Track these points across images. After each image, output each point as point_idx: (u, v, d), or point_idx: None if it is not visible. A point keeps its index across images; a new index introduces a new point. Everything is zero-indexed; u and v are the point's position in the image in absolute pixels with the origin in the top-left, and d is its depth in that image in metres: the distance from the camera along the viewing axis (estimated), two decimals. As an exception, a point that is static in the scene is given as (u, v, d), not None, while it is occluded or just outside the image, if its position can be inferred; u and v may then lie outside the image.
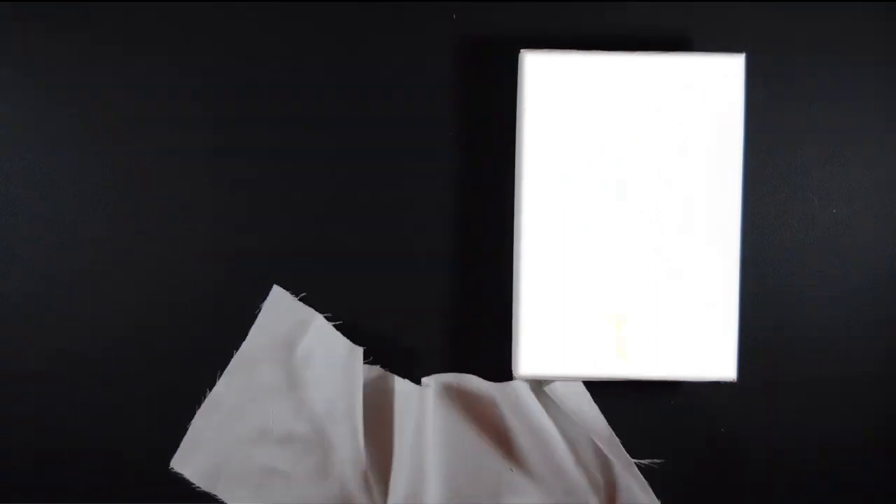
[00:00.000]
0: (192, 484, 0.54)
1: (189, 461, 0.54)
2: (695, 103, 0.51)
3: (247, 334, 0.55)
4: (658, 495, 0.54)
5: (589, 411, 0.53)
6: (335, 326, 0.54)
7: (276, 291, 0.54)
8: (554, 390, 0.52)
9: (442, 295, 0.55)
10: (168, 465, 0.54)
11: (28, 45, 0.55)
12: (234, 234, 0.55)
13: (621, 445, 0.53)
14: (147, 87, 0.55)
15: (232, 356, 0.55)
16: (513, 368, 0.52)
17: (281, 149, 0.55)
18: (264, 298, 0.55)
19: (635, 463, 0.53)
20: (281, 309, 0.54)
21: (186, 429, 0.55)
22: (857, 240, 0.55)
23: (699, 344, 0.51)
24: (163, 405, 0.56)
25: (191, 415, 0.55)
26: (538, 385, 0.53)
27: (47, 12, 0.55)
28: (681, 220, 0.51)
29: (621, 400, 0.55)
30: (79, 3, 0.55)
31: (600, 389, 0.54)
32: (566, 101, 0.51)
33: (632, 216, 0.51)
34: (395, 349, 0.56)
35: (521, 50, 0.51)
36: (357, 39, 0.55)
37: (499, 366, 0.54)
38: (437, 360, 0.55)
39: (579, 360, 0.51)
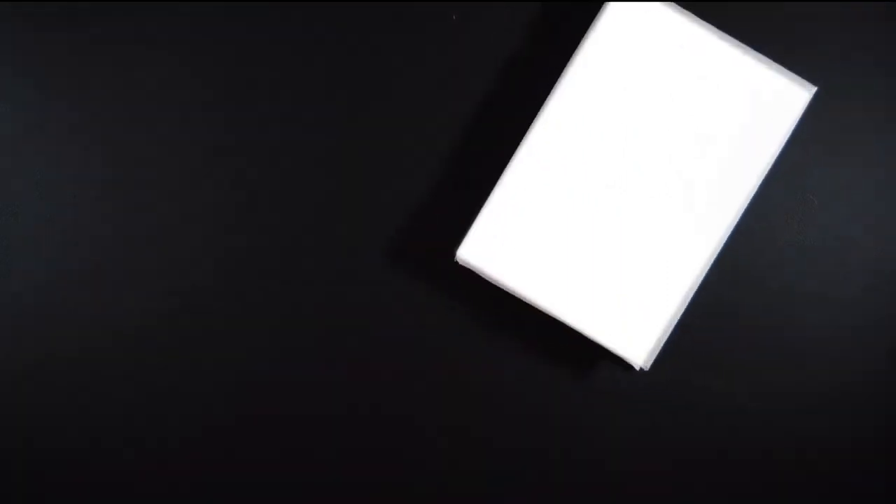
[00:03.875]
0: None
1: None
2: (748, 107, 0.51)
3: (246, 334, 0.55)
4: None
5: None
6: None
7: None
8: None
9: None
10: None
11: (28, 45, 0.55)
12: (233, 233, 0.55)
13: None
14: (147, 87, 0.55)
15: (231, 357, 0.55)
16: (457, 249, 0.53)
17: (281, 148, 0.55)
18: (264, 298, 0.55)
19: None
20: None
21: (185, 429, 0.55)
22: (857, 240, 0.55)
23: (633, 319, 0.51)
24: (162, 405, 0.56)
25: (190, 415, 0.55)
26: None
27: (47, 12, 0.55)
28: (678, 199, 0.51)
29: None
30: (79, 3, 0.55)
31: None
32: (632, 48, 0.51)
33: (637, 173, 0.51)
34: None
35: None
36: (357, 39, 0.55)
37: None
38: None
39: (519, 274, 0.52)
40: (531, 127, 0.52)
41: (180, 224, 0.55)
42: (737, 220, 0.51)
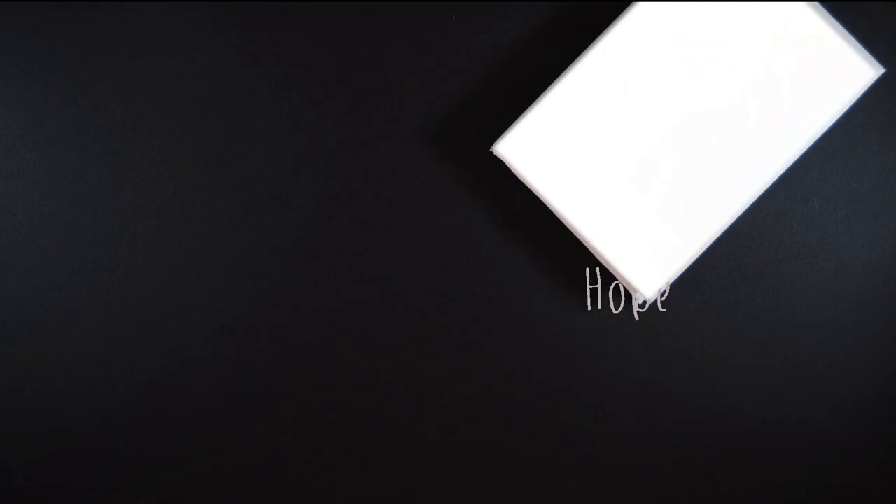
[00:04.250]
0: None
1: None
2: (809, 74, 0.50)
3: (246, 334, 0.55)
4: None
5: None
6: None
7: None
8: None
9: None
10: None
11: (28, 45, 0.55)
12: (233, 233, 0.55)
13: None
14: (147, 87, 0.55)
15: (231, 357, 0.55)
16: (496, 141, 0.52)
17: (281, 149, 0.55)
18: (264, 298, 0.55)
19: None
20: None
21: (184, 430, 0.55)
22: (857, 240, 0.55)
23: (648, 253, 0.51)
24: (162, 405, 0.56)
25: (190, 415, 0.55)
26: None
27: (47, 12, 0.55)
28: (719, 151, 0.51)
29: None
30: (79, 3, 0.55)
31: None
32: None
33: (688, 120, 0.51)
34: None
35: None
36: (357, 39, 0.55)
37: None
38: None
39: (549, 180, 0.51)
40: (592, 46, 0.51)
41: (180, 224, 0.55)
42: (772, 180, 0.51)
